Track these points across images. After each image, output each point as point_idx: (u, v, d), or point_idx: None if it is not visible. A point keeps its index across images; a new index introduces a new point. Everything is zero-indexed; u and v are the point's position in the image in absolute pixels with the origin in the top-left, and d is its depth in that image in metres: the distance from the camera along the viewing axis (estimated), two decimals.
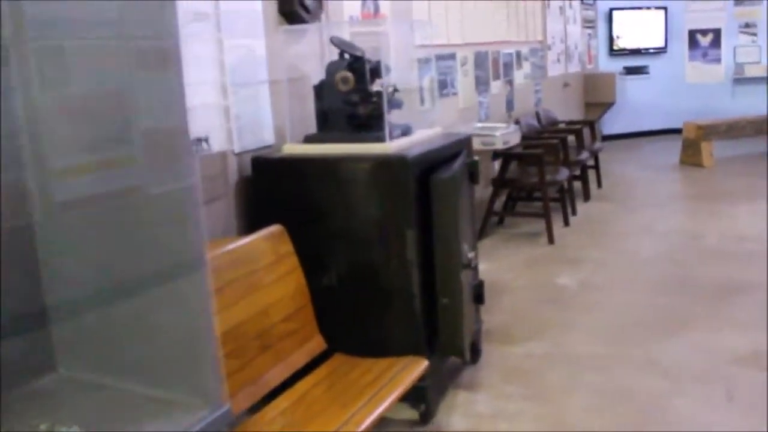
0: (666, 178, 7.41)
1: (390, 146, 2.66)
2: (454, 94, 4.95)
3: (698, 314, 3.71)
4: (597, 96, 8.36)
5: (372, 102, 2.80)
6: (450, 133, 3.14)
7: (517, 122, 5.85)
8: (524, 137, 5.77)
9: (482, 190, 5.42)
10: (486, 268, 4.63)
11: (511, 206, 5.89)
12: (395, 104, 2.95)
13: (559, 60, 7.33)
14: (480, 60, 5.36)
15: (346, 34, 3.53)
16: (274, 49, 3.04)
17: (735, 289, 4.00)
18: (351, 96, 2.78)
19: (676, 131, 8.29)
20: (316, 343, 2.41)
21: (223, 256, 2.18)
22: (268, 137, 3.01)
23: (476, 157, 3.10)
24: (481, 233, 5.29)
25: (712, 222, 5.49)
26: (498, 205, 5.67)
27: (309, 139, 2.86)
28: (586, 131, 6.76)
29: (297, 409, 2.13)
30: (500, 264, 4.76)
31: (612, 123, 9.40)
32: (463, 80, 5.08)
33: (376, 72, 2.89)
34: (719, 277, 4.23)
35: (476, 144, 4.48)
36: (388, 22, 4.00)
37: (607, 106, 8.58)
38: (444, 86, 4.77)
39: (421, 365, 2.34)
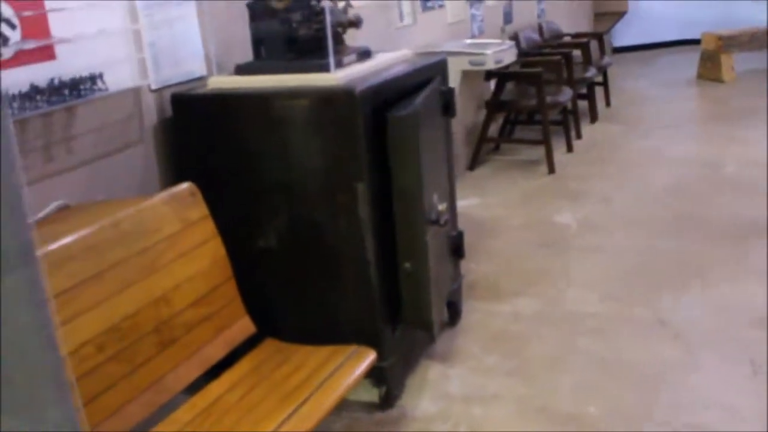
0: (682, 96, 6.77)
1: (335, 77, 2.11)
2: (441, 6, 4.33)
3: (715, 261, 3.20)
4: (607, 5, 7.63)
5: (317, 21, 2.24)
6: (422, 55, 2.58)
7: (514, 37, 5.22)
8: (524, 53, 5.16)
9: (476, 113, 4.86)
10: (476, 204, 4.13)
11: (509, 131, 5.33)
12: (351, 23, 2.39)
13: None
14: None
15: None
16: None
17: (758, 229, 3.48)
18: (290, 15, 2.22)
19: (694, 42, 7.58)
20: (241, 329, 1.94)
21: (104, 230, 1.68)
22: (197, 68, 2.46)
23: (453, 85, 2.55)
24: (474, 162, 4.76)
25: (732, 147, 4.90)
26: (494, 129, 5.12)
27: (241, 70, 2.32)
28: (594, 45, 6.11)
29: (205, 420, 1.67)
30: (493, 199, 4.25)
31: (623, 34, 8.67)
32: None
33: None
34: (739, 214, 3.70)
35: (464, 64, 3.92)
36: None
37: (619, 15, 7.85)
38: None
39: (369, 357, 1.87)
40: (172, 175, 2.39)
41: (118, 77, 2.19)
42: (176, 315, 1.77)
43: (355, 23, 2.41)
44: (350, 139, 2.07)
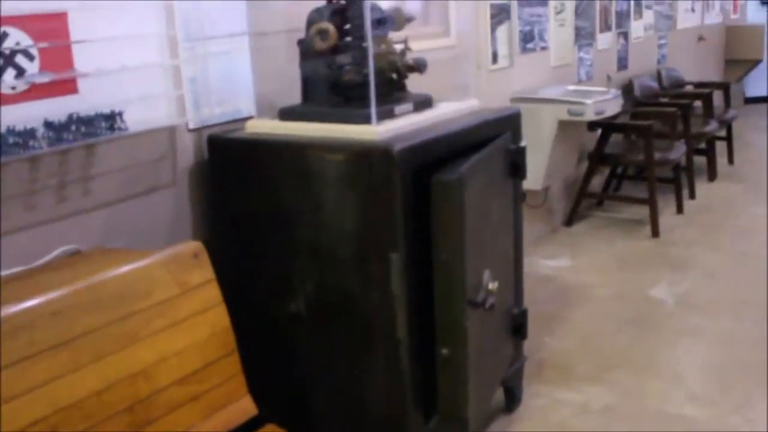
0: None
1: (376, 130, 1.84)
2: (544, 48, 3.99)
3: None
4: (740, 51, 6.99)
5: (367, 65, 1.99)
6: (491, 109, 2.27)
7: (628, 84, 4.80)
8: (637, 102, 4.73)
9: (577, 164, 4.47)
10: (566, 266, 3.74)
11: (615, 185, 4.89)
12: (410, 68, 2.12)
13: (693, 9, 6.08)
14: (583, 7, 4.34)
15: None
16: None
17: None
18: (336, 56, 1.98)
19: None
20: (239, 410, 1.68)
21: (79, 293, 1.48)
22: (246, 108, 2.26)
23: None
24: (572, 217, 4.36)
25: None
26: (599, 182, 4.70)
27: (284, 115, 2.09)
28: (719, 95, 5.57)
29: None
30: (585, 261, 3.84)
31: (757, 83, 7.95)
32: (558, 32, 4.10)
33: (382, 22, 2.07)
34: None
35: (562, 113, 3.56)
36: None
37: (753, 63, 7.19)
38: (529, 39, 3.83)
39: None
40: (207, 224, 2.19)
41: (152, 114, 2.02)
42: (157, 393, 1.54)
43: (417, 68, 2.14)
44: (386, 202, 1.79)
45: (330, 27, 1.90)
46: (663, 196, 4.42)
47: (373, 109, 1.85)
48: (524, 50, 3.79)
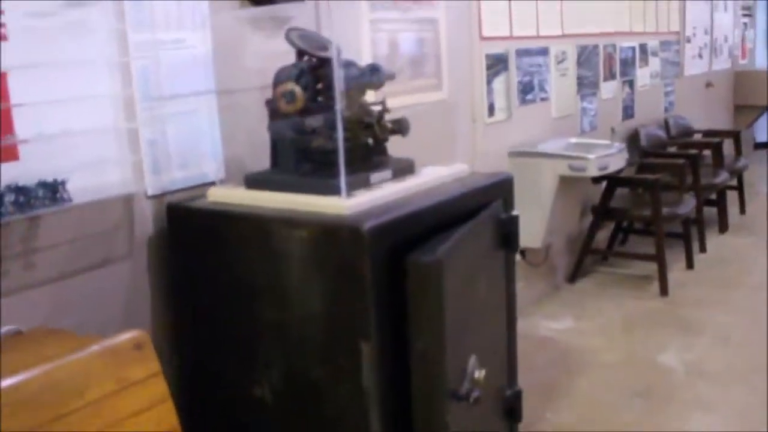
0: None
1: (345, 204, 1.64)
2: (544, 99, 3.81)
3: None
4: (750, 97, 6.80)
5: (343, 130, 1.80)
6: (481, 175, 2.06)
7: (634, 134, 4.61)
8: (643, 152, 4.53)
9: (581, 217, 4.25)
10: (568, 328, 3.51)
11: (621, 239, 4.66)
12: (392, 131, 1.94)
13: (701, 55, 5.91)
14: (586, 56, 4.17)
15: (363, 22, 2.54)
16: (228, 45, 2.09)
17: None
18: (306, 119, 1.79)
19: None
20: None
21: (8, 393, 1.27)
22: (213, 172, 2.07)
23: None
24: (575, 274, 4.14)
25: None
26: (604, 235, 4.48)
27: (250, 182, 1.90)
28: (729, 143, 5.37)
29: None
30: (589, 323, 3.61)
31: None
32: (559, 82, 3.92)
33: (358, 81, 1.88)
34: None
35: (563, 168, 3.37)
36: (438, 5, 2.95)
37: (763, 109, 6.99)
38: (528, 89, 3.65)
39: None
40: (167, 299, 1.99)
41: (105, 180, 1.83)
42: None
43: (398, 130, 1.95)
44: (355, 285, 1.58)
45: (296, 89, 1.72)
46: (672, 249, 4.19)
47: (342, 180, 1.66)
48: (523, 102, 3.61)
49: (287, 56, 2.02)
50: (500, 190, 2.01)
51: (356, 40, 2.58)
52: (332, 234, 1.59)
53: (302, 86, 1.79)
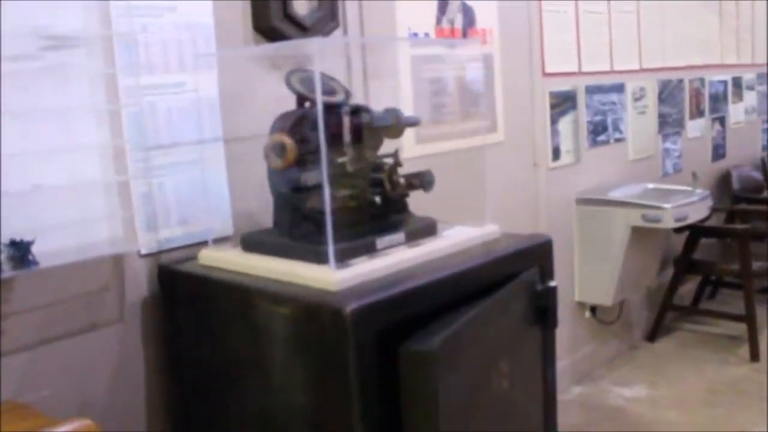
0: None
1: (333, 278, 1.39)
2: (619, 140, 3.45)
3: None
4: None
5: (344, 186, 1.56)
6: (514, 237, 1.77)
7: (726, 175, 4.16)
8: (736, 197, 4.07)
9: (662, 269, 3.84)
10: (641, 397, 3.13)
11: (709, 292, 4.20)
12: (410, 185, 1.68)
13: None
14: (669, 91, 3.78)
15: (403, 59, 2.30)
16: (238, 87, 1.90)
17: None
18: (300, 176, 1.55)
19: None
20: None
21: None
22: (220, 227, 1.87)
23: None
24: (655, 332, 3.72)
25: None
26: (689, 288, 4.04)
27: (246, 243, 1.67)
28: None
29: None
30: (667, 390, 3.19)
31: None
32: (637, 120, 3.56)
33: (370, 129, 1.64)
34: None
35: (636, 218, 3.01)
36: (493, 40, 2.68)
37: None
38: (600, 130, 3.31)
39: None
40: (161, 368, 1.79)
41: (90, 239, 1.65)
42: None
43: (418, 186, 1.69)
44: (338, 373, 1.32)
45: (287, 141, 1.49)
46: (765, 307, 3.71)
47: (330, 250, 1.41)
48: (594, 143, 3.27)
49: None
50: (536, 256, 1.71)
51: (394, 80, 2.35)
52: (314, 314, 1.34)
53: (299, 137, 1.56)
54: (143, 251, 1.75)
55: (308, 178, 1.54)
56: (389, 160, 1.66)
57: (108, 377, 1.72)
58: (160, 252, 1.78)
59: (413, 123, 1.77)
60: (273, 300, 1.42)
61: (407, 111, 2.35)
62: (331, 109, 1.59)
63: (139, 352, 1.76)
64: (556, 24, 2.99)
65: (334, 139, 1.58)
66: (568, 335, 3.22)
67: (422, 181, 1.71)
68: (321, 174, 1.54)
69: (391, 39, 2.29)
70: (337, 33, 2.11)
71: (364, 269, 1.45)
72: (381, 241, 1.57)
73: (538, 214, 2.96)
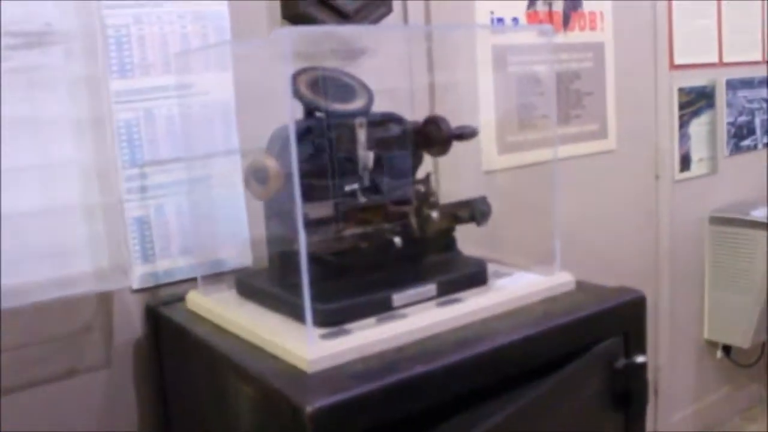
0: None
1: (309, 352, 1.01)
2: None
3: None
4: None
5: (355, 222, 1.18)
6: (593, 290, 1.31)
7: None
8: None
9: None
10: None
11: None
12: (454, 218, 1.28)
13: None
14: None
15: (483, 48, 1.89)
16: (259, 88, 1.55)
17: None
18: (307, 211, 1.19)
19: None
20: None
21: None
22: (235, 257, 1.54)
23: (641, 358, 1.23)
24: None
25: None
26: None
27: (240, 286, 1.33)
28: None
29: None
30: None
31: None
32: None
33: (400, 144, 1.25)
34: None
35: None
36: (605, 25, 2.18)
37: None
38: (746, 133, 2.71)
39: None
40: (155, 420, 1.49)
41: (67, 273, 1.37)
42: None
43: (465, 219, 1.28)
44: None
45: (270, 165, 1.12)
46: None
47: (308, 314, 1.02)
48: (736, 149, 2.68)
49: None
50: (620, 320, 1.25)
51: (469, 76, 1.93)
52: (274, 404, 0.97)
53: (303, 156, 1.19)
54: (135, 286, 1.45)
55: (311, 210, 1.17)
56: (420, 188, 1.26)
57: (91, 428, 1.44)
58: (158, 286, 1.48)
59: (466, 135, 1.36)
60: (237, 374, 1.06)
61: (486, 115, 1.93)
62: (346, 121, 1.21)
63: (128, 402, 1.47)
64: (689, 4, 2.43)
65: (349, 160, 1.21)
66: (695, 379, 2.66)
67: (474, 212, 1.30)
68: (325, 206, 1.17)
69: (440, 28, 1.86)
70: (388, 21, 1.72)
71: (364, 339, 1.06)
72: (400, 297, 1.17)
73: (659, 236, 2.43)
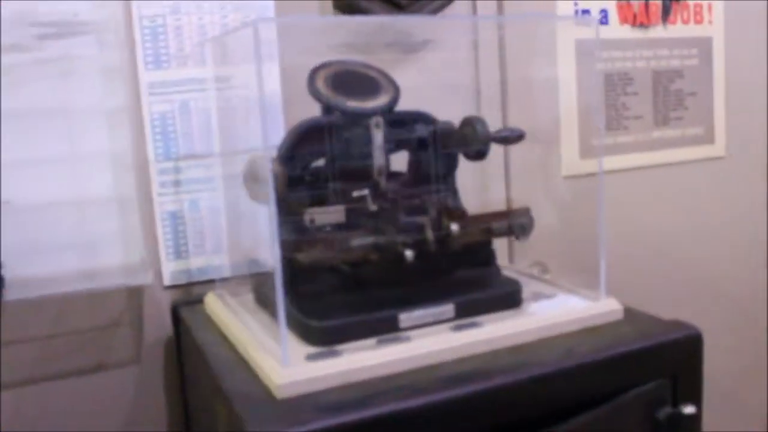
0: None
1: (280, 380, 0.90)
2: None
3: None
4: None
5: (363, 233, 1.06)
6: (641, 323, 1.12)
7: None
8: None
9: None
10: None
11: None
12: (488, 232, 1.13)
13: None
14: None
15: (565, 43, 1.72)
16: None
17: None
18: (307, 214, 1.08)
19: None
20: None
21: None
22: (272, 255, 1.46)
23: (689, 409, 1.02)
24: None
25: None
26: None
27: (256, 292, 1.25)
28: None
29: None
30: None
31: None
32: None
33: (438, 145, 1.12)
34: None
35: None
36: (714, 17, 1.91)
37: None
38: None
39: None
40: (180, 424, 1.44)
41: (97, 266, 1.35)
42: None
43: (501, 232, 1.12)
44: None
45: (275, 169, 1.01)
46: None
47: (283, 333, 0.92)
48: None
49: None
50: (669, 361, 1.05)
51: (549, 73, 1.74)
52: (236, 429, 0.87)
53: (310, 157, 1.09)
54: (167, 282, 1.41)
55: (315, 215, 1.06)
56: (447, 197, 1.12)
57: (117, 425, 1.41)
58: (191, 284, 1.42)
59: (510, 139, 1.20)
60: (214, 391, 0.98)
61: (567, 116, 1.74)
62: (362, 120, 1.09)
63: (158, 400, 1.43)
64: None
65: (362, 162, 1.09)
66: None
67: (519, 224, 1.14)
68: (333, 212, 1.06)
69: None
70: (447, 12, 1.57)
71: (351, 363, 0.94)
72: (408, 317, 1.04)
73: None
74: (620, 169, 1.84)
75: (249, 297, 1.26)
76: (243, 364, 1.00)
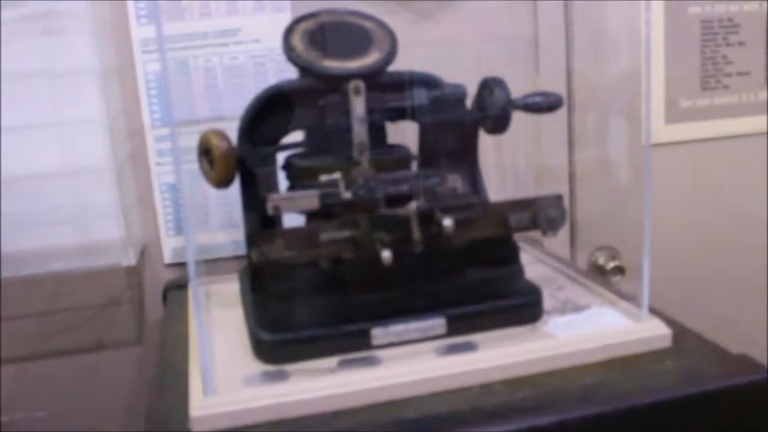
0: None
1: (198, 407, 0.71)
2: None
3: None
4: None
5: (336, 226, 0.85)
6: (697, 353, 0.84)
7: None
8: None
9: None
10: None
11: None
12: (502, 226, 0.88)
13: None
14: None
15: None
16: None
17: None
18: (269, 197, 0.87)
19: None
20: None
21: None
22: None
23: None
24: None
25: None
26: None
27: (241, 281, 1.07)
28: None
29: None
30: None
31: None
32: None
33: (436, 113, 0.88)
34: None
35: None
36: None
37: None
38: None
39: None
40: None
41: (90, 242, 1.21)
42: None
43: (521, 225, 0.88)
44: None
45: (215, 144, 0.81)
46: None
47: (204, 358, 0.73)
48: None
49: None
50: (728, 412, 0.78)
51: (628, 17, 1.42)
52: None
53: (279, 130, 0.88)
54: (167, 260, 1.26)
55: (280, 202, 0.86)
56: (434, 183, 0.87)
57: (118, 407, 1.30)
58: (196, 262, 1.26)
59: (540, 106, 0.94)
60: (146, 409, 0.81)
61: (656, 75, 1.43)
62: (339, 83, 0.87)
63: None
64: None
65: (339, 137, 0.87)
66: None
67: (535, 216, 0.89)
68: (304, 198, 0.85)
69: None
70: None
71: (287, 394, 0.74)
72: (382, 332, 0.83)
73: None
74: (714, 137, 1.50)
75: (234, 286, 1.08)
76: (185, 380, 0.83)
